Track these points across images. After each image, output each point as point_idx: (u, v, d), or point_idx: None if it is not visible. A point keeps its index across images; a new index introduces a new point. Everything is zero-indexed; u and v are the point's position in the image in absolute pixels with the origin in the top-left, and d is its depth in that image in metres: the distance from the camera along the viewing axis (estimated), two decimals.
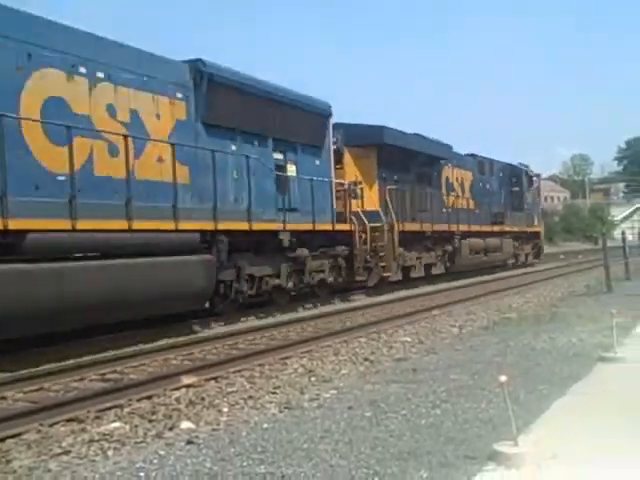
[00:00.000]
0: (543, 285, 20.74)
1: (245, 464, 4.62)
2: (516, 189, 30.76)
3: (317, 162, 16.04)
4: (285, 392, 7.11)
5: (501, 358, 8.18)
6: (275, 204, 14.29)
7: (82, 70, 10.27)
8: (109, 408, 6.66)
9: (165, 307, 11.52)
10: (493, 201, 28.16)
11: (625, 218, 78.75)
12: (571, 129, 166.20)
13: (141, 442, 5.55)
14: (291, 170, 15.03)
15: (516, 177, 31.08)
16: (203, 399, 6.96)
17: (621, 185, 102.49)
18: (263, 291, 14.16)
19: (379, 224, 18.25)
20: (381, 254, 18.27)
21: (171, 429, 5.88)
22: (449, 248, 23.31)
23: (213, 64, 12.81)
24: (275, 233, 14.20)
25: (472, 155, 27.69)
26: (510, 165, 31.51)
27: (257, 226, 13.54)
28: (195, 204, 12.05)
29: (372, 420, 5.58)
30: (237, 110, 13.28)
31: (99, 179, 10.27)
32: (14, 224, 8.81)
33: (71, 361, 9.29)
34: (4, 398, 7.29)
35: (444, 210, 23.14)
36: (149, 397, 7.09)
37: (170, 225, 11.32)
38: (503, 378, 4.50)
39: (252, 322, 13.26)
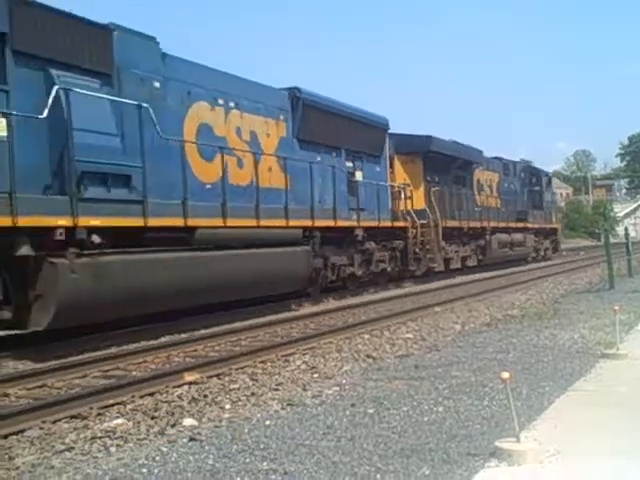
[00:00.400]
0: (545, 282, 20.72)
1: (248, 461, 4.63)
2: (536, 188, 33.25)
3: (377, 168, 18.93)
4: (287, 389, 7.12)
5: (503, 355, 8.19)
6: (348, 205, 17.13)
7: (220, 101, 13.12)
8: (112, 405, 6.66)
9: (278, 287, 14.31)
10: (516, 200, 30.64)
11: (628, 214, 78.65)
12: (571, 124, 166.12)
13: (144, 439, 5.55)
14: (359, 176, 17.88)
15: (536, 177, 33.71)
16: (206, 396, 6.96)
17: (624, 181, 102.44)
18: (340, 277, 17.03)
19: (426, 221, 20.91)
20: (428, 247, 20.95)
21: (174, 426, 5.89)
22: (481, 243, 25.99)
23: (306, 90, 15.73)
24: (351, 229, 17.08)
25: (498, 158, 30.23)
26: (530, 166, 34.22)
27: (340, 223, 16.53)
28: (296, 206, 14.73)
29: (374, 417, 5.58)
30: (322, 127, 16.11)
31: (233, 187, 12.98)
32: (190, 222, 11.67)
33: (74, 358, 9.31)
34: (7, 395, 7.30)
35: (476, 208, 25.80)
36: (152, 394, 7.09)
37: (282, 222, 14.19)
38: (505, 375, 4.51)
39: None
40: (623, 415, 5.30)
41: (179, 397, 6.96)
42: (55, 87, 9.52)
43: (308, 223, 15.11)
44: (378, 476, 4.23)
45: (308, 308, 14.69)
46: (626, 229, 24.94)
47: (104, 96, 10.39)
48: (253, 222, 13.23)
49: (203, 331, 11.63)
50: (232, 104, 13.36)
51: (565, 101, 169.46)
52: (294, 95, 15.37)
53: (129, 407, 6.64)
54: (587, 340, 8.90)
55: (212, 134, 12.77)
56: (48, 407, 6.42)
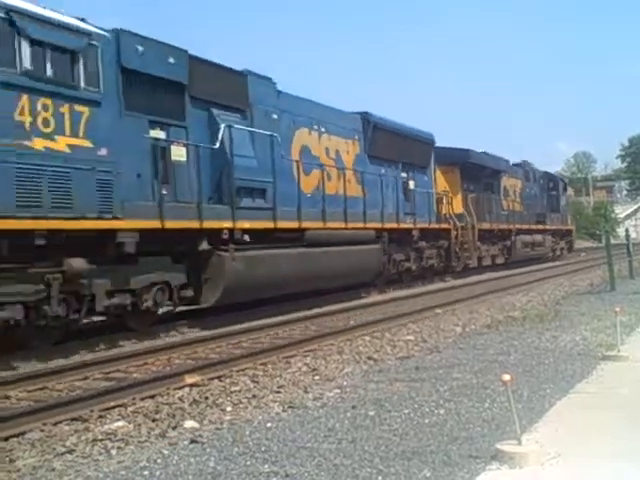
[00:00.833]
0: (547, 283, 20.73)
1: (249, 463, 4.63)
2: (553, 193, 36.32)
3: (425, 178, 21.89)
4: (289, 391, 7.11)
5: (504, 357, 8.18)
6: (405, 210, 20.01)
7: (315, 127, 16.09)
8: (113, 407, 6.66)
9: (358, 278, 17.35)
10: (536, 204, 33.53)
11: (628, 216, 78.59)
12: (571, 125, 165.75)
13: (145, 441, 5.55)
14: (412, 185, 20.79)
15: (553, 183, 37.03)
16: (207, 398, 6.96)
17: (624, 183, 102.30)
18: (399, 271, 19.96)
19: (464, 224, 23.73)
20: (465, 246, 23.82)
21: (175, 428, 5.89)
22: (507, 243, 28.72)
23: (374, 115, 18.80)
24: (409, 230, 20.08)
25: (519, 165, 32.99)
26: (548, 173, 38.14)
27: (402, 225, 19.65)
28: (369, 211, 17.61)
29: (376, 419, 5.58)
30: (385, 144, 18.94)
31: (326, 196, 15.84)
32: (303, 225, 14.71)
33: (74, 360, 9.32)
34: (8, 397, 7.31)
35: (503, 212, 28.69)
36: (153, 396, 7.09)
37: (361, 225, 17.22)
38: (507, 377, 4.50)
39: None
40: (624, 417, 5.29)
41: (180, 399, 6.96)
42: (222, 124, 12.62)
43: (379, 226, 18.15)
44: (379, 478, 4.22)
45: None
46: (627, 230, 24.93)
47: (250, 129, 13.55)
48: (342, 225, 16.40)
49: (204, 333, 11.64)
50: (323, 129, 16.40)
51: (565, 101, 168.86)
52: (365, 119, 18.39)
53: (130, 409, 6.64)
54: (588, 342, 8.89)
55: (310, 154, 15.79)
56: (49, 409, 6.43)
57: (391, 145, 19.26)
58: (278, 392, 7.09)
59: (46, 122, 9.44)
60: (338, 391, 6.84)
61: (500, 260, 28.13)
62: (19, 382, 7.85)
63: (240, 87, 13.50)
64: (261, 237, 13.35)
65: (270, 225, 13.69)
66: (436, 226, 21.99)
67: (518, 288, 18.93)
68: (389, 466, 4.40)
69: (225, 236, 12.36)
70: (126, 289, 10.79)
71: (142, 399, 6.97)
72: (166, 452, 5.02)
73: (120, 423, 6.14)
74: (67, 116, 9.74)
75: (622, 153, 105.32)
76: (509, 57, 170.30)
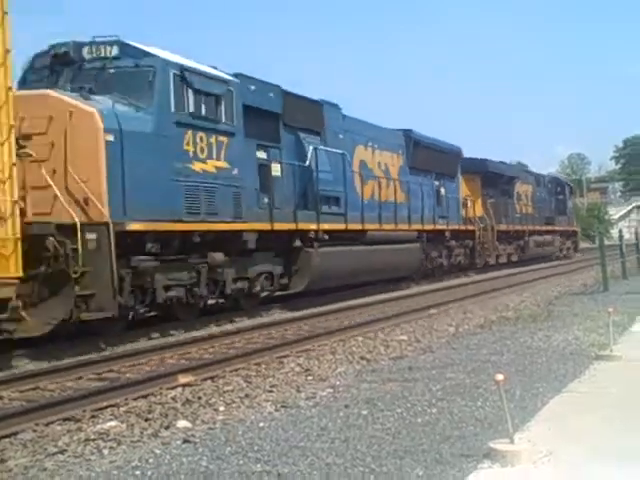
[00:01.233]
0: (540, 283, 20.78)
1: (241, 463, 4.62)
2: (560, 197, 39.28)
3: (453, 185, 24.81)
4: (281, 391, 7.11)
5: (497, 357, 8.19)
6: (438, 213, 22.88)
7: (369, 144, 18.89)
8: (105, 407, 6.65)
9: (403, 272, 20.41)
10: (545, 207, 36.45)
11: (622, 217, 78.78)
12: (569, 128, 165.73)
13: (137, 441, 5.54)
14: (442, 191, 23.60)
15: (560, 187, 40.11)
16: (199, 398, 6.95)
17: (618, 184, 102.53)
18: (433, 267, 22.78)
19: (484, 225, 26.81)
20: (486, 245, 26.84)
21: (167, 428, 5.88)
22: (521, 242, 31.55)
23: (415, 132, 21.85)
24: (443, 231, 23.04)
25: (530, 172, 37.86)
26: (556, 178, 42.61)
27: (438, 227, 22.60)
28: (412, 215, 20.55)
29: (368, 418, 5.58)
30: (423, 157, 21.81)
31: (379, 203, 18.79)
32: (365, 227, 17.68)
33: (67, 360, 9.29)
34: (0, 397, 7.28)
35: (517, 215, 31.67)
36: (145, 396, 7.08)
37: (406, 227, 20.15)
38: (499, 376, 4.51)
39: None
40: (616, 417, 5.31)
41: (173, 399, 6.96)
42: (310, 147, 15.55)
43: (420, 227, 21.04)
44: (372, 477, 4.22)
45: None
46: (620, 231, 25.00)
47: (326, 148, 16.44)
48: (393, 226, 19.40)
49: (197, 333, 11.63)
50: (375, 145, 19.21)
51: (563, 103, 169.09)
52: (407, 135, 21.39)
53: (123, 409, 6.63)
54: (581, 342, 8.91)
55: (366, 167, 18.57)
56: (41, 409, 6.42)
57: (427, 157, 22.22)
58: (271, 392, 7.09)
59: (202, 150, 12.27)
60: (331, 391, 6.84)
61: (515, 258, 30.90)
62: (11, 382, 7.83)
63: (318, 114, 16.50)
64: (335, 237, 16.32)
65: (343, 227, 16.83)
66: (463, 227, 25.12)
67: (511, 288, 18.99)
68: (381, 465, 4.40)
69: (312, 235, 15.40)
70: (244, 277, 13.56)
71: (135, 399, 6.96)
72: (158, 452, 5.01)
73: (113, 423, 6.13)
74: (214, 145, 12.58)
75: (616, 155, 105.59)
76: (508, 57, 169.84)
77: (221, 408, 6.51)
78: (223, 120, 12.82)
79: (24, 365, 9.18)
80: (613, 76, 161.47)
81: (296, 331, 11.74)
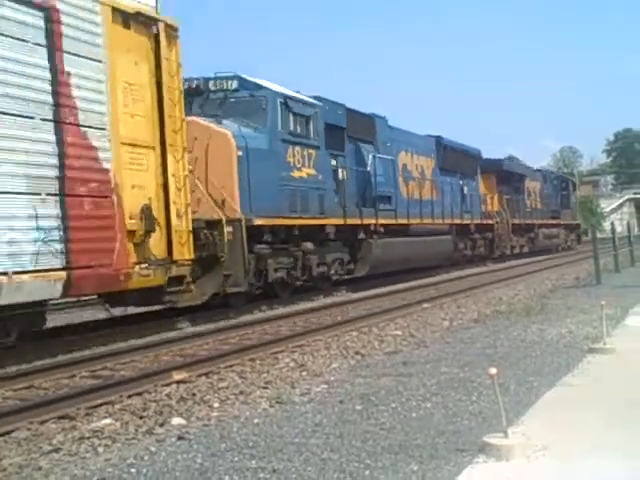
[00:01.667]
0: (533, 277, 20.83)
1: (236, 459, 4.62)
2: (564, 193, 42.72)
3: (474, 184, 28.23)
4: (276, 387, 7.11)
5: (491, 350, 8.22)
6: (463, 209, 26.09)
7: (409, 150, 22.07)
8: (100, 405, 6.63)
9: (437, 261, 23.40)
10: (551, 202, 39.63)
11: (614, 210, 79.00)
12: (558, 121, 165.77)
13: (132, 438, 5.53)
14: (466, 190, 26.74)
15: (565, 184, 43.84)
16: (194, 395, 6.94)
17: (610, 177, 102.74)
18: (460, 256, 26.01)
19: (500, 219, 29.91)
20: (502, 238, 30.08)
21: (162, 425, 5.87)
22: (531, 235, 34.80)
23: (445, 138, 25.21)
24: (467, 225, 26.42)
25: (539, 170, 41.21)
26: (561, 175, 47.75)
27: (465, 221, 26.06)
28: (444, 210, 23.88)
29: (363, 414, 5.59)
30: (450, 159, 25.05)
31: (419, 200, 21.99)
32: (410, 221, 21.03)
33: (61, 358, 9.27)
34: None
35: (527, 210, 34.82)
36: (140, 393, 7.06)
37: (440, 221, 23.48)
38: (493, 370, 4.52)
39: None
40: (610, 410, 5.33)
41: (167, 396, 6.94)
42: (370, 154, 19.02)
43: (450, 221, 24.32)
44: (367, 472, 4.23)
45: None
46: (612, 224, 25.06)
47: (380, 155, 19.68)
48: (430, 221, 22.54)
49: (191, 330, 11.62)
50: (413, 150, 22.42)
51: (554, 97, 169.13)
52: (438, 141, 24.59)
53: (117, 407, 6.61)
54: (574, 335, 8.93)
55: (407, 169, 21.81)
56: (35, 408, 6.40)
57: (454, 160, 25.39)
58: (265, 388, 7.08)
59: (298, 161, 15.66)
60: (325, 386, 6.84)
61: (526, 249, 33.95)
62: (5, 380, 7.81)
63: (370, 126, 19.67)
64: (387, 230, 19.37)
65: (394, 221, 20.01)
66: (484, 221, 28.43)
67: (505, 282, 19.04)
68: (376, 460, 4.41)
69: (372, 229, 18.66)
70: (324, 262, 16.67)
71: (129, 396, 6.94)
72: (153, 449, 5.01)
73: (107, 421, 6.11)
74: (306, 156, 15.96)
75: (608, 148, 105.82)
76: (498, 52, 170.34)
77: (216, 405, 6.49)
78: (312, 136, 16.28)
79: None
80: (601, 70, 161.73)
81: (290, 327, 11.73)
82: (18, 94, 8.80)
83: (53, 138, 9.22)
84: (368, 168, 18.88)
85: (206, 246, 12.47)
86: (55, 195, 9.19)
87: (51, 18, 9.28)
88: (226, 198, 13.29)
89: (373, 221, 18.72)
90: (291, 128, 15.46)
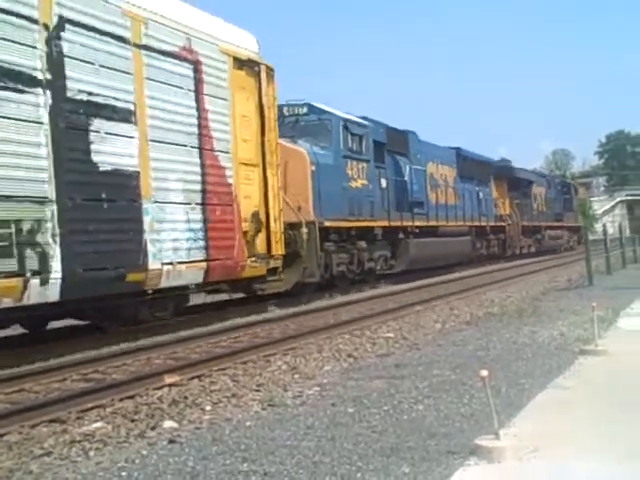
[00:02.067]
0: (526, 279, 20.88)
1: (228, 462, 4.62)
2: (567, 196, 45.70)
3: (487, 189, 31.09)
4: (268, 390, 7.10)
5: (483, 353, 8.23)
6: (479, 212, 28.97)
7: (435, 160, 24.90)
8: (91, 408, 6.60)
9: (458, 259, 26.21)
10: (555, 205, 42.52)
11: (606, 212, 79.23)
12: (556, 123, 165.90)
13: (123, 442, 5.51)
14: (481, 195, 29.70)
15: (567, 188, 46.89)
16: (186, 398, 6.92)
17: (602, 179, 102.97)
18: (477, 255, 28.63)
19: (511, 222, 32.85)
20: (513, 238, 32.94)
21: (153, 428, 5.85)
22: (538, 236, 37.71)
23: (464, 149, 28.53)
24: (484, 226, 29.21)
25: (544, 176, 44.90)
26: (563, 180, 51.33)
27: (482, 223, 29.04)
28: (465, 214, 26.91)
29: (355, 416, 5.59)
30: (468, 168, 28.01)
31: (445, 205, 25.04)
32: (438, 223, 23.94)
33: (53, 361, 9.24)
34: None
35: (534, 213, 37.69)
36: (131, 397, 7.04)
37: (462, 223, 26.50)
38: (485, 372, 4.52)
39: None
40: (602, 411, 5.34)
41: (159, 399, 6.92)
42: (407, 166, 22.16)
43: (470, 223, 27.34)
44: (358, 475, 4.23)
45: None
46: (604, 226, 25.14)
47: (416, 166, 22.67)
48: (453, 223, 25.53)
49: (183, 333, 11.59)
50: (438, 161, 25.28)
51: (548, 99, 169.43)
52: (458, 152, 27.65)
53: (109, 410, 6.59)
54: (566, 337, 8.95)
55: (434, 178, 24.60)
56: (26, 411, 6.36)
57: (471, 168, 28.30)
58: (258, 391, 7.07)
59: (355, 173, 18.75)
60: (317, 389, 6.84)
61: (533, 249, 36.73)
62: None
63: (405, 140, 22.58)
64: (420, 231, 22.17)
65: (426, 223, 22.97)
66: (498, 224, 31.34)
67: (498, 284, 19.08)
68: (368, 463, 4.41)
69: (409, 230, 21.60)
70: (371, 259, 19.47)
71: (121, 400, 6.92)
72: (145, 452, 4.99)
73: (98, 424, 6.09)
74: (360, 169, 19.02)
75: (599, 150, 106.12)
76: (493, 54, 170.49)
77: (208, 408, 6.48)
78: (364, 152, 19.31)
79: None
80: (594, 72, 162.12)
81: (283, 329, 11.71)
82: (180, 129, 11.69)
83: (198, 161, 12.12)
84: (405, 177, 21.88)
85: (290, 244, 15.24)
86: (199, 204, 12.06)
87: (197, 69, 12.17)
88: (302, 204, 16.14)
89: (410, 223, 21.73)
90: (349, 146, 18.60)
